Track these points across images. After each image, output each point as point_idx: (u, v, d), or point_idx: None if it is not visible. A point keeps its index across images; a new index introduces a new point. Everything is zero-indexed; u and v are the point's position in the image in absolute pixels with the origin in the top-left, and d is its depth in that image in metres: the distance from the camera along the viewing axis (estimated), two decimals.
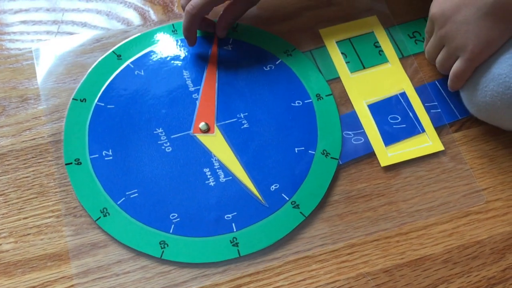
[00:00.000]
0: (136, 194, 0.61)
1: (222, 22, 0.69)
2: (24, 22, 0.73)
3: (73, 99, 0.67)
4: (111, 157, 0.63)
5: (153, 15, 0.74)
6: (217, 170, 0.63)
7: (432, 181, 0.63)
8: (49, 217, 0.60)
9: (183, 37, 0.70)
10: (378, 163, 0.64)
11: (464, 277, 0.58)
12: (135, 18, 0.74)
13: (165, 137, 0.64)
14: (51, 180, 0.62)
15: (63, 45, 0.71)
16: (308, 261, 0.59)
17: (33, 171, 0.63)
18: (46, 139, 0.64)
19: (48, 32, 0.72)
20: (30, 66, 0.69)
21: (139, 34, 0.72)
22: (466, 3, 0.58)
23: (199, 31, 0.71)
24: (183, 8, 0.69)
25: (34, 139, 0.65)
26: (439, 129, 0.66)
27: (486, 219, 0.61)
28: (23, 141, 0.65)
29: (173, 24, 0.72)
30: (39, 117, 0.66)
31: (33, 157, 0.64)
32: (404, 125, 0.66)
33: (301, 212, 0.60)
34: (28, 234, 0.60)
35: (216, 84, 0.68)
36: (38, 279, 0.57)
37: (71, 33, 0.72)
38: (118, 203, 0.61)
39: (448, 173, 0.63)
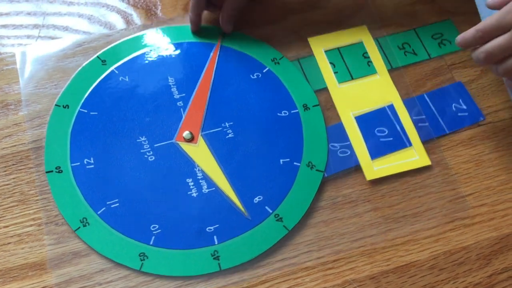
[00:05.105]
0: (117, 204, 0.60)
1: (224, 16, 0.69)
2: (4, 26, 0.72)
3: (55, 105, 0.65)
4: (92, 166, 0.62)
5: (136, 19, 0.73)
6: (200, 181, 0.62)
7: (417, 187, 0.62)
8: (30, 225, 0.59)
9: (170, 43, 0.70)
10: (364, 176, 0.63)
11: (451, 284, 0.58)
12: (118, 22, 0.73)
13: (148, 146, 0.63)
14: (32, 187, 0.61)
15: (44, 49, 0.69)
16: (294, 268, 0.58)
17: (13, 178, 0.62)
18: (27, 146, 0.63)
19: (29, 36, 0.71)
20: (10, 71, 0.68)
21: (124, 39, 0.70)
22: None
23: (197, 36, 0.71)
24: None
25: (14, 146, 0.64)
26: (426, 143, 0.65)
27: (472, 224, 0.61)
28: (3, 148, 0.63)
29: (160, 29, 0.71)
30: (20, 123, 0.65)
31: (13, 164, 0.62)
32: (391, 138, 0.65)
33: (284, 226, 0.59)
34: (9, 243, 0.59)
35: (209, 92, 0.67)
36: None
37: (52, 38, 0.71)
38: (99, 213, 0.60)
39: (434, 178, 0.63)
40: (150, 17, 0.73)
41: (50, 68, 0.68)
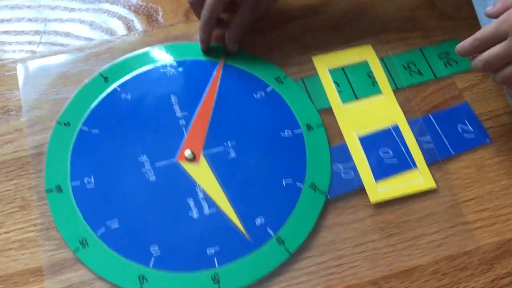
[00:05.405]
0: (117, 225, 0.59)
1: (230, 35, 0.68)
2: (5, 32, 0.72)
3: (56, 122, 0.64)
4: (93, 185, 0.61)
5: (137, 25, 0.73)
6: (201, 201, 0.60)
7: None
8: (31, 231, 0.59)
9: (172, 61, 0.69)
10: (368, 198, 0.62)
11: None
12: (119, 28, 0.73)
13: (149, 165, 0.62)
14: (33, 193, 0.61)
15: (46, 57, 0.70)
16: (296, 273, 0.58)
17: (15, 184, 0.62)
18: (28, 152, 0.63)
19: (30, 43, 0.71)
20: (12, 77, 0.68)
21: (127, 56, 0.70)
22: None
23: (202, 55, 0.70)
24: (191, 4, 0.68)
25: (16, 151, 0.63)
26: (431, 165, 0.64)
27: (474, 229, 0.60)
28: (4, 154, 0.63)
29: (163, 47, 0.71)
30: (21, 129, 0.65)
31: (14, 170, 0.62)
32: (396, 160, 0.64)
33: (286, 249, 0.58)
34: (10, 249, 0.58)
35: (212, 111, 0.66)
36: None
37: (53, 44, 0.71)
38: (98, 233, 0.58)
39: (436, 183, 0.63)
40: (151, 23, 0.73)
41: (51, 74, 0.68)
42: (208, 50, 0.70)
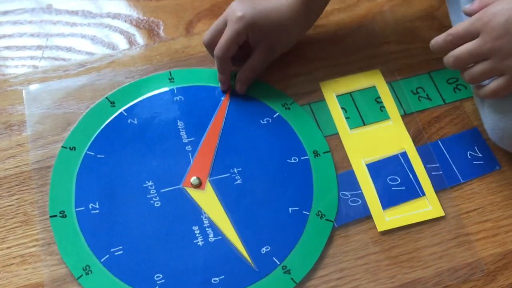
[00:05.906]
0: (121, 252, 0.58)
1: (241, 76, 0.67)
2: (7, 47, 0.72)
3: (62, 147, 0.64)
4: (97, 211, 0.60)
5: (139, 39, 0.74)
6: (207, 229, 0.60)
7: None
8: (33, 246, 0.59)
9: (180, 86, 0.69)
10: (375, 226, 0.61)
11: None
12: (121, 42, 0.73)
13: (154, 191, 0.62)
14: (35, 208, 0.61)
15: (48, 72, 0.70)
16: (297, 287, 0.57)
17: (17, 199, 0.62)
18: (30, 166, 0.63)
19: (32, 57, 0.71)
20: (14, 92, 0.68)
21: (134, 80, 0.69)
22: None
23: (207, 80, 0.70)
24: (206, 45, 0.67)
25: (18, 166, 0.64)
26: (439, 192, 0.63)
27: (476, 240, 0.60)
28: (7, 169, 0.64)
29: (170, 72, 0.70)
30: (23, 144, 0.65)
31: (16, 185, 0.63)
32: (404, 188, 0.63)
33: (292, 278, 0.58)
34: (12, 264, 0.58)
35: (219, 137, 0.66)
36: None
37: (55, 58, 0.71)
38: (102, 260, 0.58)
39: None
40: (153, 37, 0.74)
41: (53, 89, 0.68)
42: (227, 90, 0.69)
